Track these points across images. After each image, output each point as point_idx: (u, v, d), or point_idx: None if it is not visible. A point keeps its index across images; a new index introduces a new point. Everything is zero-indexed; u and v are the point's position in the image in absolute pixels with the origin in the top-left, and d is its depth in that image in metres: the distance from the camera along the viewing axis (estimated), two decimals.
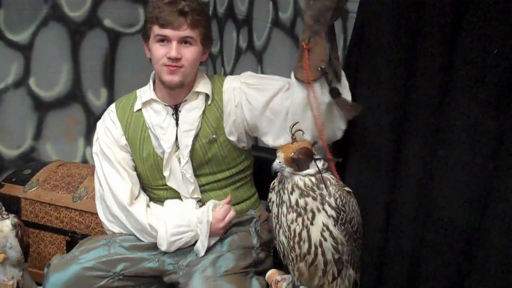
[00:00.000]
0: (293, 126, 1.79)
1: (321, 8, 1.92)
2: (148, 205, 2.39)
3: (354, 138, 2.34)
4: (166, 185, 2.38)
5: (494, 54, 1.88)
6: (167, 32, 2.19)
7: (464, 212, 2.01)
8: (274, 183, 1.84)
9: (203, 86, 2.33)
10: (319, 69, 1.98)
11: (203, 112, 2.32)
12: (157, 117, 2.34)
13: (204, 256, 2.30)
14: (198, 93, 2.33)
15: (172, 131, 2.32)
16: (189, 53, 2.23)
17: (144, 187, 2.46)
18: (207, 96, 2.32)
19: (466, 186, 2.00)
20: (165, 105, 2.33)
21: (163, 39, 2.21)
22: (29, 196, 3.03)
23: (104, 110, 3.57)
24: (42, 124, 3.56)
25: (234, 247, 2.33)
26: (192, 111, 2.32)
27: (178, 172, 2.34)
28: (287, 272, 1.90)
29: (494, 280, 1.90)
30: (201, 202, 2.38)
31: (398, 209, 2.21)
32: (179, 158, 2.32)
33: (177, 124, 2.32)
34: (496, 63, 1.89)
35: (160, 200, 2.43)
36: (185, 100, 2.32)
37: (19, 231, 2.62)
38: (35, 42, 3.46)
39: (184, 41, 2.22)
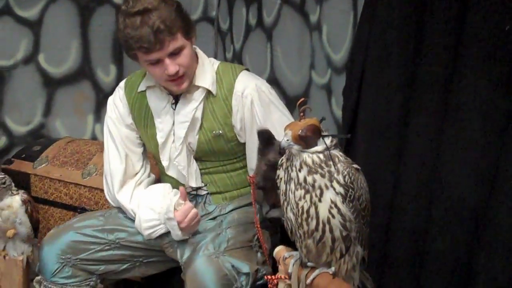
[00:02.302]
0: (301, 103, 1.77)
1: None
2: (136, 187, 2.42)
3: (363, 115, 2.33)
4: None
5: (506, 30, 1.87)
6: (154, 56, 2.15)
7: (472, 190, 2.01)
8: (282, 160, 1.84)
9: (202, 79, 2.30)
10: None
11: (209, 105, 2.31)
12: (158, 103, 2.35)
13: (203, 234, 2.32)
14: (198, 87, 2.31)
15: (168, 121, 2.33)
16: (184, 59, 2.20)
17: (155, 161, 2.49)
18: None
19: (475, 165, 1.99)
20: (167, 93, 2.33)
21: (155, 62, 2.17)
22: (38, 172, 3.04)
23: (113, 86, 3.59)
24: (51, 100, 3.55)
25: (233, 223, 2.34)
26: (189, 104, 2.31)
27: (177, 163, 2.37)
28: (295, 249, 1.90)
29: (502, 259, 1.90)
30: (204, 184, 2.40)
31: (403, 187, 2.21)
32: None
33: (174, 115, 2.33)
34: (507, 40, 1.87)
35: (164, 174, 2.47)
36: (186, 91, 2.31)
37: (28, 207, 2.64)
38: (44, 18, 3.44)
39: (174, 53, 2.17)
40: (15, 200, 2.61)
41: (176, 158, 2.33)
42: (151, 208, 2.33)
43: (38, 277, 2.45)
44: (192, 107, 2.29)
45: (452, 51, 2.02)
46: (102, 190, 2.90)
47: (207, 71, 2.32)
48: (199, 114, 2.30)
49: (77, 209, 2.96)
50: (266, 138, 2.04)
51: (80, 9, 3.51)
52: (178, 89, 2.24)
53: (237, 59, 3.46)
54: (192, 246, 2.31)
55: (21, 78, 3.45)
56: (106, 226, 2.38)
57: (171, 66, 2.15)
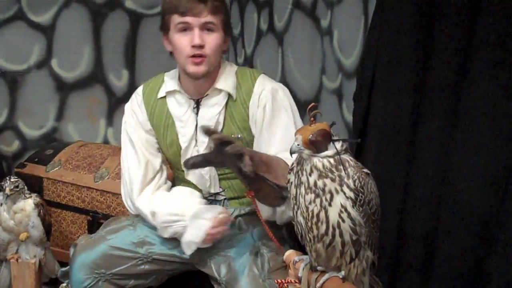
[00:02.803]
0: (311, 108, 1.78)
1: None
2: (154, 192, 2.37)
3: (373, 120, 2.34)
4: None
5: None
6: (188, 19, 2.17)
7: (482, 195, 2.00)
8: (292, 165, 1.84)
9: (225, 82, 2.30)
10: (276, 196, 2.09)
11: (229, 109, 2.30)
12: (179, 108, 2.33)
13: (235, 248, 2.30)
14: (220, 90, 2.30)
15: (191, 126, 2.32)
16: (212, 40, 2.21)
17: (171, 167, 2.47)
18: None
19: (484, 169, 1.99)
20: (188, 97, 2.32)
21: (185, 28, 2.19)
22: (51, 176, 3.07)
23: (126, 91, 3.63)
24: (64, 104, 3.58)
25: (265, 238, 2.29)
26: (212, 108, 2.30)
27: (199, 170, 2.32)
28: (305, 253, 1.91)
29: None
30: (222, 189, 2.38)
31: (413, 191, 2.21)
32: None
33: (197, 119, 2.32)
34: None
35: (181, 180, 2.44)
36: (207, 95, 2.30)
37: (41, 210, 2.66)
38: (57, 23, 3.48)
39: (206, 28, 2.19)
40: (28, 204, 2.63)
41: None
42: (174, 204, 2.30)
43: (64, 285, 2.46)
44: (215, 112, 2.29)
45: (462, 56, 2.03)
46: (114, 194, 2.93)
47: (229, 75, 2.33)
48: (221, 118, 2.30)
49: (89, 213, 2.99)
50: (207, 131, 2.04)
51: (92, 14, 3.54)
52: (195, 71, 2.21)
53: (249, 63, 3.47)
54: (226, 261, 2.28)
55: (34, 83, 3.50)
56: (136, 239, 2.35)
57: (198, 37, 2.17)
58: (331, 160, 1.72)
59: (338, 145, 1.73)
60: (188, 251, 2.25)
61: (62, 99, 3.57)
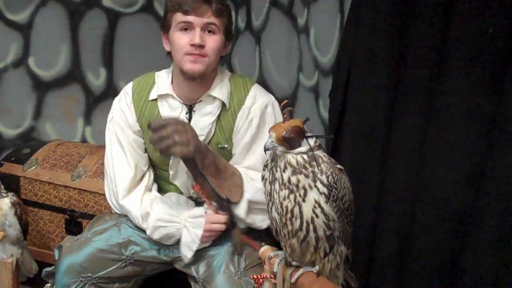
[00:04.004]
0: (284, 104, 1.80)
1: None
2: (145, 193, 2.36)
3: (349, 117, 2.36)
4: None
5: (489, 33, 1.89)
6: (190, 18, 2.16)
7: (457, 191, 2.03)
8: (267, 161, 1.86)
9: (220, 90, 2.29)
10: (213, 204, 2.21)
11: (219, 119, 2.29)
12: (171, 112, 2.30)
13: (215, 247, 2.29)
14: (214, 98, 2.29)
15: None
16: (212, 41, 2.20)
17: (155, 167, 2.45)
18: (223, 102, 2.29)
19: (459, 166, 2.01)
20: (181, 102, 2.29)
21: (186, 27, 2.18)
22: (28, 175, 3.05)
23: (104, 90, 3.63)
24: (41, 103, 3.56)
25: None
26: (205, 116, 2.28)
27: (184, 172, 2.31)
28: (280, 249, 1.92)
29: (489, 258, 1.92)
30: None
31: (388, 188, 2.23)
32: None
33: None
34: (491, 43, 1.89)
35: (164, 180, 2.43)
36: (200, 101, 2.28)
37: (18, 209, 2.64)
38: (34, 21, 3.46)
39: (207, 29, 2.19)
40: (5, 203, 2.61)
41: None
42: (171, 206, 2.29)
43: (48, 285, 2.44)
44: (209, 121, 2.28)
45: (436, 53, 2.05)
46: (91, 193, 2.91)
47: (224, 84, 2.31)
48: (213, 128, 2.29)
49: (67, 212, 2.97)
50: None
51: (70, 12, 3.52)
52: (192, 68, 2.18)
53: (226, 62, 3.47)
54: (205, 260, 2.29)
55: (11, 82, 3.47)
56: (121, 239, 2.33)
57: (199, 37, 2.16)
58: (305, 156, 1.74)
59: (312, 141, 1.75)
60: (189, 253, 2.24)
61: (40, 98, 3.54)
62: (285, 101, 1.80)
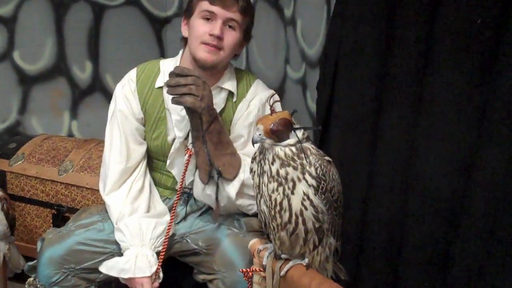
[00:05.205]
0: (271, 97, 1.79)
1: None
2: (131, 189, 2.33)
3: (337, 109, 2.35)
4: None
5: (478, 23, 1.89)
6: (215, 9, 2.16)
7: (447, 181, 2.03)
8: (255, 154, 1.85)
9: (229, 83, 2.31)
10: (207, 172, 2.17)
11: (223, 111, 2.30)
12: None
13: (213, 226, 2.31)
14: (221, 88, 2.29)
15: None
16: (231, 37, 2.21)
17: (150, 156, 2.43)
18: (229, 94, 2.30)
19: (449, 156, 2.02)
20: None
21: (209, 17, 2.18)
22: (14, 169, 3.03)
23: (90, 83, 3.61)
24: (27, 97, 3.53)
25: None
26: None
27: (182, 162, 2.29)
28: (270, 242, 1.92)
29: (477, 248, 1.93)
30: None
31: (377, 179, 2.23)
32: (187, 148, 2.26)
33: None
34: (479, 33, 1.89)
35: (157, 171, 2.43)
36: None
37: (4, 204, 2.62)
38: (19, 15, 3.43)
39: (228, 24, 2.19)
40: None
41: (186, 156, 2.26)
42: (138, 222, 2.25)
43: (31, 279, 2.42)
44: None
45: (424, 44, 2.05)
46: (78, 187, 2.90)
47: (233, 77, 2.33)
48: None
49: (54, 206, 2.95)
50: None
51: (54, 5, 3.50)
52: (205, 57, 2.19)
53: None
54: (203, 235, 2.29)
55: None
56: (106, 236, 2.30)
57: (219, 29, 2.17)
58: (293, 148, 1.74)
59: (300, 133, 1.75)
60: (106, 270, 2.21)
61: (25, 92, 3.52)
62: (272, 93, 1.80)
